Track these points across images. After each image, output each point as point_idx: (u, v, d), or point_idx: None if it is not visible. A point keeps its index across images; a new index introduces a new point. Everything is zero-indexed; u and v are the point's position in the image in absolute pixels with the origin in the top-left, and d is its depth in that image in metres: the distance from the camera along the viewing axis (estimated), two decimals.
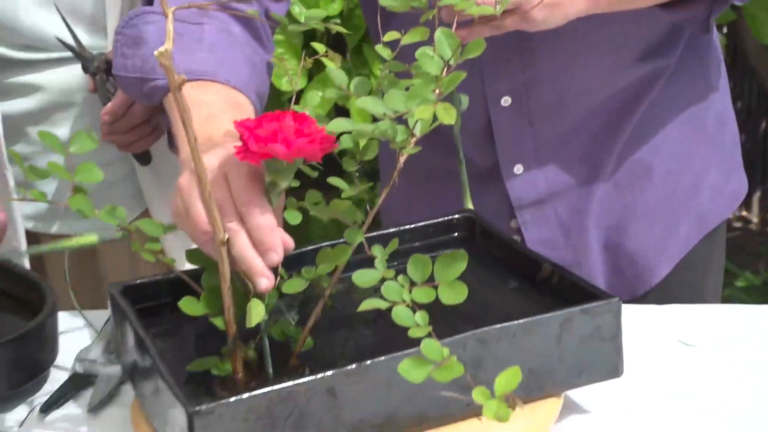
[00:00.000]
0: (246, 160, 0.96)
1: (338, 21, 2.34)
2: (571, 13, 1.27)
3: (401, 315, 0.86)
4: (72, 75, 1.63)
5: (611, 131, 1.49)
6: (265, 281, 0.95)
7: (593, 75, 1.47)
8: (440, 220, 1.25)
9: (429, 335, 0.84)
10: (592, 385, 1.06)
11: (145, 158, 1.63)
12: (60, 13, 1.56)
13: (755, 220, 4.15)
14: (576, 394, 1.08)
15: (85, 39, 1.62)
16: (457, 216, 1.26)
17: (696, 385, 1.11)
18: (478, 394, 0.79)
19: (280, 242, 0.97)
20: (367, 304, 0.88)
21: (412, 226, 1.21)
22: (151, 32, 1.29)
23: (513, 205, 1.51)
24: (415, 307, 0.87)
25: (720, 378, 1.13)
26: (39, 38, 1.62)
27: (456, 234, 1.20)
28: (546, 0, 1.22)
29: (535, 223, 1.52)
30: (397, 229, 1.18)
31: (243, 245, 0.95)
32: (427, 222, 1.23)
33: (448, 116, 0.87)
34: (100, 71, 1.55)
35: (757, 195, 4.21)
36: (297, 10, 2.53)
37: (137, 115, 1.56)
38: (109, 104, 1.53)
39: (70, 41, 1.59)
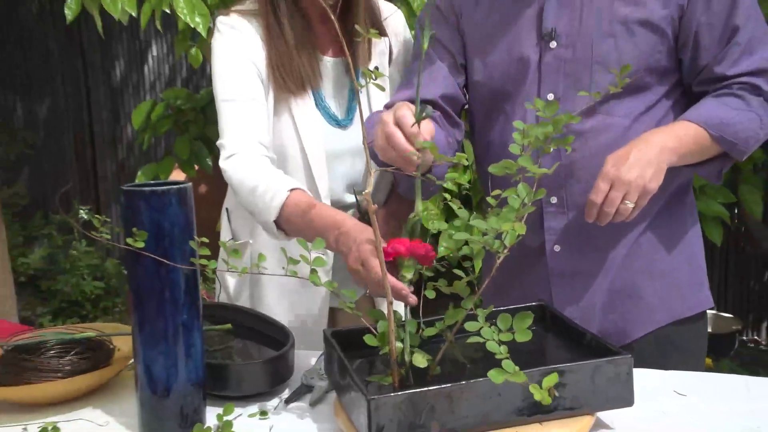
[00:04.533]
0: (389, 258, 1.06)
1: (467, 186, 2.18)
2: (659, 173, 1.22)
3: (493, 346, 0.91)
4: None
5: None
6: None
7: None
8: (524, 305, 1.22)
9: (508, 358, 0.89)
10: (614, 411, 1.06)
11: None
12: (355, 191, 1.52)
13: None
14: (604, 416, 1.07)
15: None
16: (534, 303, 1.25)
17: (684, 420, 1.09)
18: (533, 388, 0.85)
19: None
20: (473, 339, 0.93)
21: (506, 308, 1.17)
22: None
23: (549, 273, 1.40)
24: (500, 342, 0.91)
25: (701, 416, 1.10)
26: (339, 200, 1.54)
27: (533, 313, 1.08)
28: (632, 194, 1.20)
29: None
30: (498, 308, 1.13)
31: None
32: (516, 306, 1.21)
33: (521, 229, 0.92)
34: (360, 211, 1.51)
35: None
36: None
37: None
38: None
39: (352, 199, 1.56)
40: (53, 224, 4.77)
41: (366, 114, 1.51)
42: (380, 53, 1.53)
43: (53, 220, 4.77)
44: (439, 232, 1.76)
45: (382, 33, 1.52)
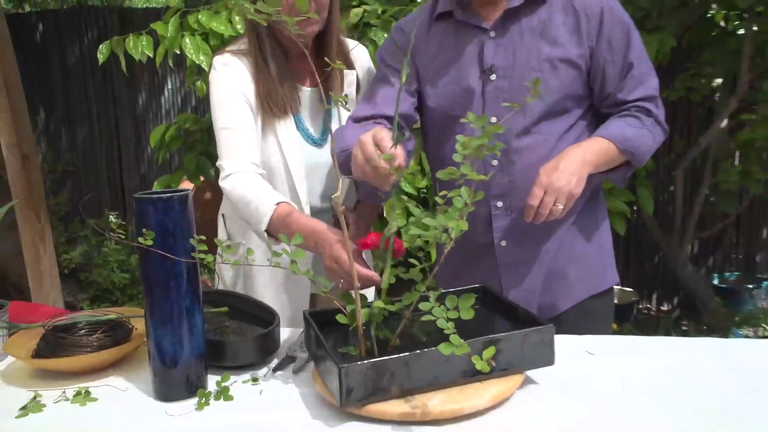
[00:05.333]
0: (363, 249, 1.04)
1: (425, 190, 2.16)
2: (581, 180, 1.21)
3: (442, 323, 0.86)
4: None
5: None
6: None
7: None
8: (468, 287, 1.20)
9: (455, 333, 0.85)
10: (539, 369, 1.03)
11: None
12: (332, 200, 1.44)
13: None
14: (531, 373, 1.04)
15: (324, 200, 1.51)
16: (477, 285, 1.21)
17: (594, 374, 1.06)
18: (475, 359, 0.81)
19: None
20: (426, 318, 0.89)
21: (454, 289, 1.15)
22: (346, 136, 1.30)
23: (498, 263, 1.38)
24: (448, 319, 0.87)
25: (608, 370, 1.07)
26: (317, 205, 1.48)
27: (477, 294, 1.16)
28: (560, 199, 1.19)
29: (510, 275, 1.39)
30: (446, 290, 1.12)
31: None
32: (461, 288, 1.18)
33: (464, 225, 0.88)
34: (334, 216, 1.45)
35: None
36: (402, 183, 2.27)
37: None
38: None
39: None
40: (89, 228, 4.71)
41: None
42: (350, 83, 1.49)
43: (89, 225, 4.70)
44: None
45: (350, 66, 1.48)
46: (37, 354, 1.17)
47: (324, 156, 1.47)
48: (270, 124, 1.42)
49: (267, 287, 1.50)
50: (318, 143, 1.48)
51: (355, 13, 2.31)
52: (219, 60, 1.43)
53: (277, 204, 1.28)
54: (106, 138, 4.99)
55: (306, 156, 1.45)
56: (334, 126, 1.48)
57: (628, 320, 3.53)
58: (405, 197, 1.09)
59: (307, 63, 1.46)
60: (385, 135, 1.07)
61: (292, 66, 1.46)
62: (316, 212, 1.48)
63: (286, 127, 1.43)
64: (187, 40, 2.38)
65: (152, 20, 2.51)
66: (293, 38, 1.19)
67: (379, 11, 2.36)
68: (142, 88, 4.84)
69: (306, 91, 1.48)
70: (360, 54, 1.54)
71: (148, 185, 4.85)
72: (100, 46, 2.55)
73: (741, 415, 0.92)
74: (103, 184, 5.03)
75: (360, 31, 2.34)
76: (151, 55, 2.52)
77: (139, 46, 2.52)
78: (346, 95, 1.47)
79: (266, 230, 1.28)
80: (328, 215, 1.50)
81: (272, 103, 1.40)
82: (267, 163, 1.43)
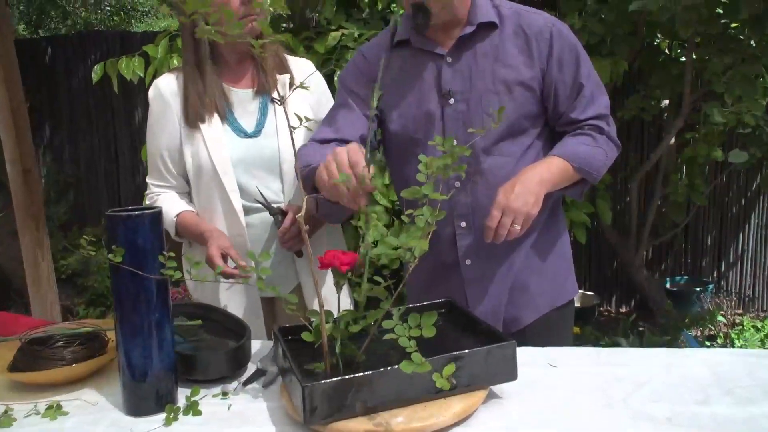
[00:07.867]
0: (322, 268, 0.95)
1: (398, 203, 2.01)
2: (539, 200, 1.15)
3: (404, 341, 0.80)
4: (268, 217, 1.43)
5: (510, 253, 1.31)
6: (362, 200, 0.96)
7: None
8: (435, 302, 1.12)
9: (416, 351, 0.78)
10: (503, 385, 0.96)
11: (299, 254, 1.43)
12: (258, 189, 1.41)
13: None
14: (495, 389, 0.97)
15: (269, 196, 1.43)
16: (443, 300, 1.13)
17: (556, 385, 0.99)
18: (436, 376, 0.75)
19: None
20: (388, 336, 0.81)
21: (421, 304, 1.10)
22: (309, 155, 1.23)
23: (464, 280, 1.31)
24: (411, 337, 0.80)
25: (569, 381, 1.01)
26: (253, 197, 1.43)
27: (442, 309, 1.11)
28: (519, 220, 1.13)
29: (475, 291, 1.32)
30: (413, 305, 1.08)
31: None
32: (428, 302, 1.12)
33: (425, 245, 0.81)
34: (276, 213, 1.40)
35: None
36: (377, 195, 2.24)
37: (295, 235, 1.38)
38: (280, 228, 1.37)
39: (261, 200, 1.41)
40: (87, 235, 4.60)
41: (271, 124, 1.45)
42: (282, 85, 1.46)
43: (86, 232, 4.58)
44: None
45: (285, 71, 1.48)
46: (14, 366, 1.09)
47: (258, 145, 1.43)
48: (196, 126, 1.43)
49: (219, 292, 1.46)
50: (250, 136, 1.44)
51: (333, 37, 2.24)
52: (153, 87, 1.48)
53: (177, 215, 1.43)
54: (105, 150, 4.92)
55: (237, 149, 1.42)
56: (270, 117, 1.45)
57: (590, 322, 3.48)
58: (374, 213, 1.02)
59: (243, 66, 1.48)
60: (360, 157, 0.98)
61: (228, 69, 1.47)
62: (250, 202, 1.43)
63: (211, 126, 1.42)
64: (176, 61, 2.32)
65: (151, 43, 2.46)
66: (230, 46, 1.41)
67: (356, 35, 2.30)
68: (138, 104, 4.77)
69: (240, 92, 1.46)
70: (301, 64, 1.53)
71: (142, 193, 4.77)
72: (95, 67, 2.53)
73: (683, 422, 0.88)
74: (101, 193, 4.95)
75: (338, 54, 2.28)
76: (142, 75, 2.46)
77: (131, 67, 2.49)
78: (283, 96, 1.44)
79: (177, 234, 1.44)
80: (259, 213, 1.44)
81: (200, 108, 1.42)
82: (197, 160, 1.43)
